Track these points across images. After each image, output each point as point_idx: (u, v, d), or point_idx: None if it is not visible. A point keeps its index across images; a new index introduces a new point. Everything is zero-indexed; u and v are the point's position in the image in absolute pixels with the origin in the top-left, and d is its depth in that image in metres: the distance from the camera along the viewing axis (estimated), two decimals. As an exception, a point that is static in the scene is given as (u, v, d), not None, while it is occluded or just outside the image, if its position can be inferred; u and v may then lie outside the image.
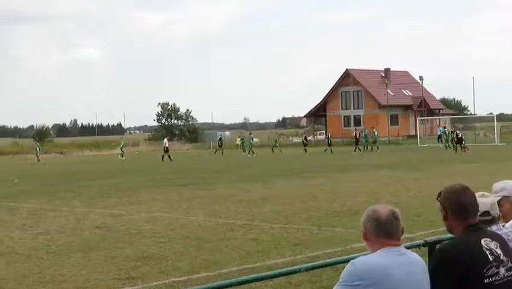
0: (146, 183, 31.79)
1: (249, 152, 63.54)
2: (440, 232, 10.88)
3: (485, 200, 4.74)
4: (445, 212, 4.40)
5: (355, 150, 61.46)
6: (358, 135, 65.57)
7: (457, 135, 56.56)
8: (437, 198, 4.46)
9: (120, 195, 26.08)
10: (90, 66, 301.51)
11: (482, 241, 4.21)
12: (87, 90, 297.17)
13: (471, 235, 4.24)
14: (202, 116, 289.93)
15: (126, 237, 15.72)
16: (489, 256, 4.16)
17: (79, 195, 26.59)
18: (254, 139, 71.34)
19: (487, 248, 4.18)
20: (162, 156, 57.47)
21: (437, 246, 5.09)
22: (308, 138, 70.37)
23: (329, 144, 65.36)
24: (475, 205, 4.38)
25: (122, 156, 64.84)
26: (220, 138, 75.19)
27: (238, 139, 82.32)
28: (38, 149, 67.42)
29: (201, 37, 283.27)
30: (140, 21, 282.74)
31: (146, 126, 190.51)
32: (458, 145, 55.46)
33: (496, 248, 4.21)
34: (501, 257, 4.20)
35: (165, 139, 62.85)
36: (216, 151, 68.96)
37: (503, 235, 4.51)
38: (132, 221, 18.53)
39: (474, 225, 4.31)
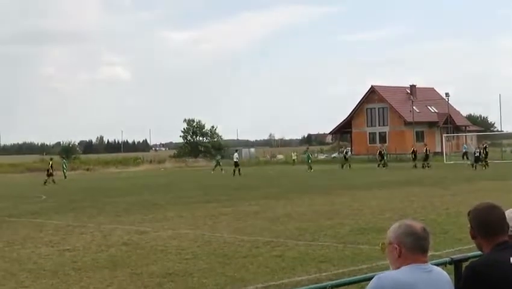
0: (171, 200, 31.85)
1: (309, 167, 62.49)
2: (466, 249, 10.83)
3: (515, 217, 4.70)
4: (473, 230, 4.38)
5: (378, 166, 61.37)
6: (383, 151, 65.36)
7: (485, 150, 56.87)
8: (468, 217, 4.45)
9: (146, 212, 26.17)
10: (117, 84, 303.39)
11: (511, 259, 4.17)
12: (113, 107, 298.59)
13: (500, 253, 4.20)
14: (227, 133, 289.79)
15: (151, 254, 15.78)
16: (517, 275, 4.12)
17: (105, 212, 26.72)
18: (311, 154, 69.78)
19: (515, 267, 4.14)
20: (234, 171, 58.04)
21: (466, 264, 5.08)
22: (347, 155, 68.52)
23: (346, 160, 65.43)
24: (504, 223, 4.34)
25: (221, 170, 63.87)
26: (220, 157, 72.42)
27: (294, 154, 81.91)
28: (65, 166, 67.83)
29: (226, 55, 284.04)
30: (166, 40, 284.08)
31: (171, 142, 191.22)
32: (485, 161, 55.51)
33: (525, 266, 4.16)
34: (529, 276, 4.15)
35: (236, 154, 63.03)
36: (217, 168, 65.79)
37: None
38: (158, 237, 18.59)
39: (503, 243, 4.28)
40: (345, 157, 66.46)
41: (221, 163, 66.69)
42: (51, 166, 55.80)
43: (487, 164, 55.35)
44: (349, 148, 78.99)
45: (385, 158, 64.21)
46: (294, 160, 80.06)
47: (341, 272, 12.32)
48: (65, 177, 63.19)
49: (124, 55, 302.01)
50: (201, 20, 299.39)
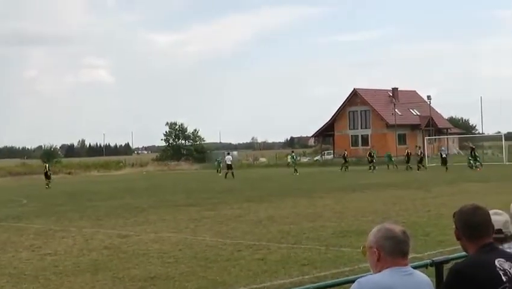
0: (153, 203, 31.76)
1: (294, 170, 62.51)
2: (447, 251, 10.87)
3: (498, 218, 4.71)
4: (458, 232, 4.39)
5: (369, 169, 61.39)
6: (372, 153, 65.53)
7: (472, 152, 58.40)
8: (453, 218, 4.45)
9: (128, 215, 26.08)
10: (98, 87, 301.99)
11: (496, 262, 4.17)
12: (94, 110, 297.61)
13: (485, 255, 4.21)
14: (209, 136, 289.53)
15: (133, 257, 15.71)
16: (502, 277, 4.12)
17: (86, 216, 26.61)
18: (295, 157, 69.64)
19: (500, 269, 4.14)
20: (226, 174, 58.13)
21: (447, 266, 5.09)
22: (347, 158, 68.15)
23: (346, 161, 65.47)
24: (489, 224, 4.34)
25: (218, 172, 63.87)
26: (220, 158, 73.03)
27: (289, 157, 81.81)
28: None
29: (209, 57, 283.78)
30: (149, 42, 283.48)
31: (154, 146, 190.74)
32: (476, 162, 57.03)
33: (510, 268, 4.17)
34: (515, 278, 4.16)
35: (228, 156, 62.98)
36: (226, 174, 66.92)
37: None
38: (140, 241, 18.52)
39: (488, 245, 4.29)
40: (345, 159, 66.27)
41: (221, 165, 66.95)
42: (48, 169, 56.72)
43: (480, 165, 56.31)
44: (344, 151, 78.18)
45: (374, 160, 64.19)
46: (289, 163, 79.50)
47: (324, 275, 12.32)
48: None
49: (107, 57, 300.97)
50: (184, 23, 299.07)
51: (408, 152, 63.73)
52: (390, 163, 65.59)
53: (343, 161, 66.54)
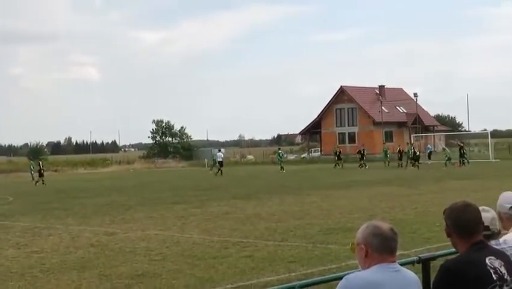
0: (140, 201, 31.70)
1: (281, 168, 62.06)
2: (434, 248, 10.91)
3: (486, 215, 4.72)
4: (448, 229, 4.39)
5: (360, 166, 61.58)
6: (339, 152, 65.74)
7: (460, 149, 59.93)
8: (443, 215, 4.45)
9: (114, 213, 26.02)
10: (85, 84, 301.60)
11: (487, 260, 4.18)
12: (82, 107, 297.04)
13: (475, 253, 4.21)
14: (196, 133, 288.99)
15: (120, 255, 15.68)
16: (493, 275, 4.13)
17: (73, 214, 26.52)
18: (282, 155, 69.41)
19: (491, 267, 4.15)
20: (219, 170, 58.16)
21: (434, 263, 5.10)
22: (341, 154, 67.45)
23: (339, 159, 65.31)
24: (479, 222, 4.34)
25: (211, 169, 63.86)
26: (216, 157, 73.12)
27: (276, 154, 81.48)
28: (32, 167, 67.28)
29: (196, 55, 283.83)
30: (136, 40, 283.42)
31: (140, 143, 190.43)
32: (462, 159, 58.67)
33: (500, 266, 4.18)
34: (505, 276, 4.17)
35: (220, 153, 63.02)
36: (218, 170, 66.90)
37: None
38: (127, 239, 18.49)
39: (479, 243, 4.29)
40: (339, 156, 66.09)
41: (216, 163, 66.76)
42: (42, 166, 56.84)
43: (467, 162, 57.81)
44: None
45: (365, 157, 64.31)
46: (274, 160, 79.09)
47: (310, 272, 12.33)
48: (32, 179, 62.67)
49: (94, 55, 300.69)
50: (171, 20, 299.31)
51: (400, 149, 64.06)
52: (385, 159, 65.53)
53: (336, 158, 66.34)
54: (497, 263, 4.19)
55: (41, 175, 55.48)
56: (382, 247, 3.98)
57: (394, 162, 62.92)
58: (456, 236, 4.34)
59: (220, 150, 67.28)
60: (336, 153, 66.42)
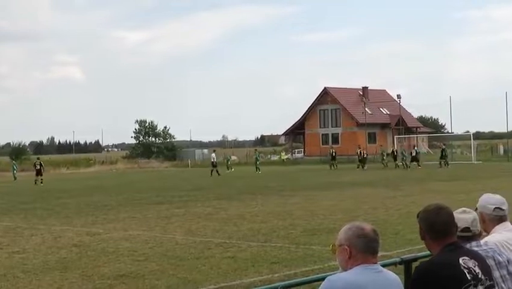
0: (123, 201, 31.61)
1: (256, 168, 62.69)
2: (416, 249, 10.93)
3: (467, 216, 4.75)
4: (422, 232, 4.43)
5: (330, 168, 62.04)
6: (334, 153, 66.02)
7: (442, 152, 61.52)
8: (417, 218, 4.49)
9: (97, 213, 25.92)
10: (68, 84, 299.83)
11: (460, 260, 4.22)
12: (64, 107, 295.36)
13: (449, 254, 4.26)
14: (180, 134, 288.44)
15: (102, 255, 15.62)
16: (467, 275, 4.17)
17: (56, 214, 26.40)
18: (259, 156, 69.45)
19: (465, 267, 4.19)
20: (211, 171, 57.80)
21: (416, 264, 5.13)
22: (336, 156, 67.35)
23: (334, 159, 65.41)
24: (452, 224, 4.39)
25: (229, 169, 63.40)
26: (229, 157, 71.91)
27: (283, 153, 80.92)
28: (15, 167, 67.00)
29: (179, 55, 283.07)
30: (120, 40, 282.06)
31: (123, 143, 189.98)
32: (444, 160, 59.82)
33: (474, 266, 4.22)
34: (479, 275, 4.21)
35: (214, 154, 63.02)
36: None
37: (482, 252, 4.52)
38: (109, 239, 18.42)
39: (452, 244, 4.33)
40: (333, 157, 66.14)
41: (229, 163, 66.50)
42: (41, 165, 55.64)
43: (446, 164, 58.47)
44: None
45: (335, 159, 64.87)
46: (283, 160, 78.80)
47: (293, 273, 12.34)
48: (15, 178, 62.39)
49: (77, 54, 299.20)
50: (154, 20, 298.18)
51: (394, 150, 64.99)
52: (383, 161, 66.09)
53: (330, 158, 66.35)
54: (471, 263, 4.24)
55: (40, 174, 54.01)
56: (366, 249, 3.99)
57: (378, 163, 63.45)
58: (429, 238, 4.39)
59: (214, 151, 67.66)
60: (331, 153, 67.00)
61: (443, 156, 60.51)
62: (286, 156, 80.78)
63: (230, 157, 71.31)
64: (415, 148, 64.21)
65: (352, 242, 4.01)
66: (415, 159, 60.10)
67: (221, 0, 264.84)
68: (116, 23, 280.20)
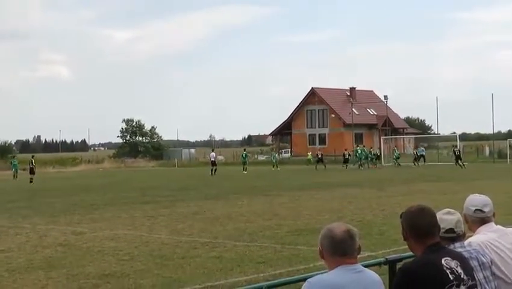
0: (109, 200, 31.52)
1: (243, 168, 62.70)
2: (401, 250, 10.95)
3: (451, 218, 4.75)
4: (405, 232, 4.44)
5: (316, 168, 62.46)
6: (320, 155, 66.42)
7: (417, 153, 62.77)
8: (400, 219, 4.50)
9: (83, 212, 25.84)
10: (55, 82, 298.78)
11: (443, 261, 4.24)
12: (50, 106, 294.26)
13: (431, 254, 4.28)
14: (167, 133, 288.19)
15: (88, 255, 15.58)
16: (449, 275, 4.19)
17: (41, 212, 26.29)
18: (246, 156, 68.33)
19: (447, 268, 4.21)
20: (211, 170, 57.89)
21: (400, 264, 5.13)
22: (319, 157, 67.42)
23: (322, 161, 65.73)
24: (435, 225, 4.40)
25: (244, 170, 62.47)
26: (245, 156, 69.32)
27: (309, 153, 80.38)
28: (16, 165, 66.53)
29: (166, 54, 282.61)
30: (107, 38, 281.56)
31: (110, 142, 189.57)
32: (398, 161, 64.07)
33: (457, 267, 4.24)
34: (461, 276, 4.23)
35: (213, 153, 63.20)
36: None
37: (465, 253, 4.54)
38: (95, 238, 18.37)
39: (435, 245, 4.34)
40: (320, 159, 66.31)
41: (247, 162, 66.22)
42: (33, 164, 56.05)
43: (463, 165, 58.41)
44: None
45: (322, 160, 65.34)
46: (309, 160, 78.50)
47: (279, 273, 12.34)
48: (14, 177, 62.02)
49: (64, 53, 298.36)
50: (142, 19, 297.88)
51: (415, 152, 67.37)
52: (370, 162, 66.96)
53: (316, 160, 66.79)
54: (453, 263, 4.26)
55: (32, 172, 54.36)
56: (333, 249, 4.06)
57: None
58: (412, 239, 4.40)
59: (213, 150, 67.89)
60: (318, 155, 67.66)
61: (458, 157, 60.15)
62: (311, 157, 79.52)
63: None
64: (395, 148, 65.72)
65: (322, 243, 4.12)
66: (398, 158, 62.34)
67: (208, 0, 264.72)
68: (103, 21, 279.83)
